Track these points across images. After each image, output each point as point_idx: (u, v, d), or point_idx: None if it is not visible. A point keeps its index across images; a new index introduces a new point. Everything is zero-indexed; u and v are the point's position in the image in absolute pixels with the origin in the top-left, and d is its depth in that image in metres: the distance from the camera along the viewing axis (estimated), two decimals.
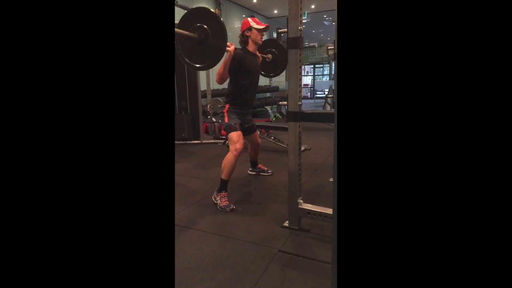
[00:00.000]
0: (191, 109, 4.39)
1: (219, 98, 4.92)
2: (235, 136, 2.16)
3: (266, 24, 2.27)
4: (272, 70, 2.87)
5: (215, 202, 2.16)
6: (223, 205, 2.09)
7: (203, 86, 4.56)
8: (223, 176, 2.14)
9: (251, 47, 2.27)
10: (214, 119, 4.63)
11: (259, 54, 2.41)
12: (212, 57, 1.79)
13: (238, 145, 2.12)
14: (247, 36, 2.25)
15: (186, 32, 1.72)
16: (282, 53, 2.79)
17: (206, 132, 4.68)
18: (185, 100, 4.38)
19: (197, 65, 1.85)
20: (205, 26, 1.75)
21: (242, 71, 2.21)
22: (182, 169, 3.07)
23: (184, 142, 4.29)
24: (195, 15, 1.77)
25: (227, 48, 1.95)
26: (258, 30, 2.22)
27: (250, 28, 2.22)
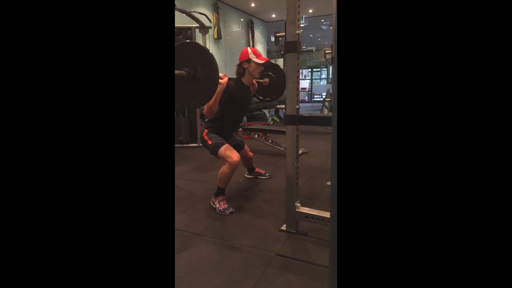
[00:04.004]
0: (189, 112, 4.38)
1: None
2: (227, 151, 2.03)
3: (267, 59, 2.14)
4: (269, 94, 2.75)
5: (214, 206, 2.12)
6: (222, 208, 2.06)
7: None
8: (220, 185, 2.09)
9: (246, 79, 2.15)
10: None
11: (254, 81, 2.28)
12: (205, 91, 1.61)
13: (235, 158, 1.99)
14: (245, 69, 2.11)
15: (176, 72, 1.50)
16: (279, 76, 2.63)
17: None
18: None
19: (190, 103, 1.67)
20: (192, 61, 1.54)
21: (231, 104, 2.10)
22: (180, 172, 3.06)
23: (182, 145, 4.28)
24: (181, 51, 1.56)
25: (220, 81, 1.84)
26: (257, 64, 2.09)
27: (249, 61, 2.08)
